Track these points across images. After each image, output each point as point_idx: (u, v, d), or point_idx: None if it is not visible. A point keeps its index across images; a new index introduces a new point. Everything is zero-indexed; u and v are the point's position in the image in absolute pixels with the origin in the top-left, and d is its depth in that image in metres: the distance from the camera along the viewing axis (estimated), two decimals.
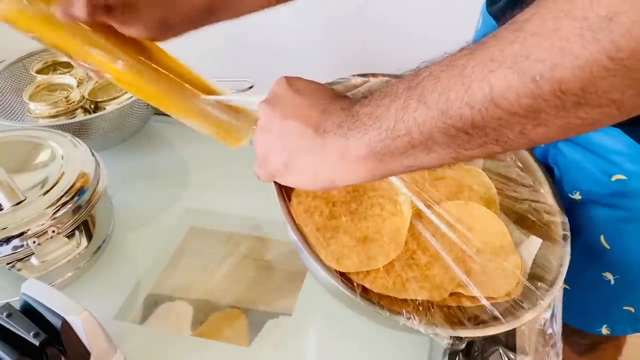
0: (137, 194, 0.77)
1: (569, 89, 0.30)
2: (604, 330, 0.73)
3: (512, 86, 0.32)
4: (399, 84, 0.39)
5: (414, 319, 0.45)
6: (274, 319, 0.61)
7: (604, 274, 0.67)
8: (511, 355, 0.50)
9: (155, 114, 0.87)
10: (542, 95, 0.31)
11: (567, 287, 0.74)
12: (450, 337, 0.46)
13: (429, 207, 0.52)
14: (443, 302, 0.48)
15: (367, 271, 0.48)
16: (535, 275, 0.52)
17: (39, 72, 0.88)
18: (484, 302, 0.48)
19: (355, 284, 0.48)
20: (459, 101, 0.34)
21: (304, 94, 0.46)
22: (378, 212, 0.51)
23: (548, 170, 0.69)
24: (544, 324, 0.50)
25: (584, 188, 0.64)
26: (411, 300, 0.47)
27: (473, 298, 0.49)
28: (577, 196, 0.65)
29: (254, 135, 0.48)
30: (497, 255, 0.51)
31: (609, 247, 0.64)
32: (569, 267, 0.76)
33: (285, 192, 0.50)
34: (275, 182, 0.49)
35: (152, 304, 0.62)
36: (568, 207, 0.69)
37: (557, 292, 0.50)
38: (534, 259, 0.53)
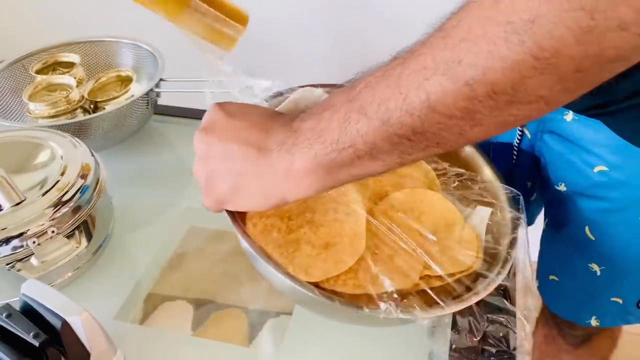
0: (136, 194, 0.78)
1: (501, 89, 0.32)
2: (593, 322, 0.73)
3: (447, 91, 0.33)
4: (336, 96, 0.40)
5: (392, 307, 0.45)
6: (275, 318, 0.61)
7: (590, 265, 0.67)
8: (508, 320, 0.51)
9: (155, 113, 0.87)
10: (477, 97, 0.32)
11: (555, 278, 0.75)
12: (431, 317, 0.46)
13: (379, 200, 0.53)
14: (416, 288, 0.49)
15: (337, 276, 0.48)
16: (494, 241, 0.53)
17: (38, 72, 0.87)
18: (450, 278, 0.50)
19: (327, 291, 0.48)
20: (398, 110, 0.35)
21: (240, 116, 0.46)
22: (333, 216, 0.51)
23: (534, 161, 0.69)
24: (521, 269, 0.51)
25: (569, 180, 0.65)
26: (386, 294, 0.48)
27: (442, 277, 0.50)
28: (562, 188, 0.66)
29: (194, 166, 0.47)
30: (450, 232, 0.53)
31: (594, 239, 0.65)
32: (555, 259, 0.77)
33: (239, 218, 0.50)
34: (227, 211, 0.48)
35: (153, 303, 0.63)
36: (554, 198, 0.69)
37: (519, 249, 0.52)
38: (488, 228, 0.54)
